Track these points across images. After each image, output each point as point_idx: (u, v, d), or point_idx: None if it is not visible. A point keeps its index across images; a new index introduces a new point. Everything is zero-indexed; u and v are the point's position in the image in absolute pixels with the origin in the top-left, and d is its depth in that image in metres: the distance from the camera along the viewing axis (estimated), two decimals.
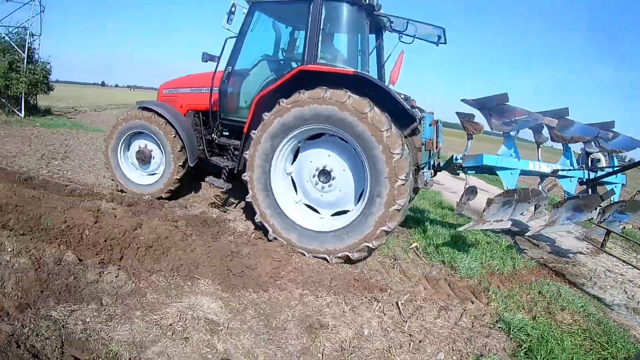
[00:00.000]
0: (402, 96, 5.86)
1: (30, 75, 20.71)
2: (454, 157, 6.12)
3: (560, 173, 6.20)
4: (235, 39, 6.62)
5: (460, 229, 5.92)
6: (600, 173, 6.33)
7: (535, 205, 6.37)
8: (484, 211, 5.42)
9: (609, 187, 6.19)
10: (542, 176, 6.45)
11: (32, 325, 3.57)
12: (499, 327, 4.33)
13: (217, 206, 7.31)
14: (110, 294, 4.17)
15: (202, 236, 5.49)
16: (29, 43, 21.38)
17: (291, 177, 6.05)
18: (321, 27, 5.81)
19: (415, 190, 6.72)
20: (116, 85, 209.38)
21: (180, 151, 7.08)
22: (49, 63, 22.52)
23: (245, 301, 4.19)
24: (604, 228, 6.70)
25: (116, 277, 4.34)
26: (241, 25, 6.53)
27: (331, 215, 5.86)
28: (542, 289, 5.50)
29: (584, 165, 6.40)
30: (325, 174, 5.71)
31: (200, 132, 7.41)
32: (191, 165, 7.18)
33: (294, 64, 6.20)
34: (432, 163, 6.36)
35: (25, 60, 20.84)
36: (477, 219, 5.69)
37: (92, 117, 25.99)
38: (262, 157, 5.75)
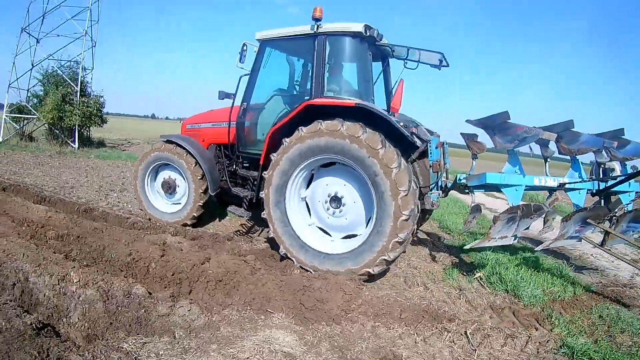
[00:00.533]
0: (403, 123, 6.02)
1: (84, 108, 21.30)
2: (458, 178, 6.19)
3: (567, 186, 6.25)
4: (248, 76, 7.04)
5: (467, 247, 6.01)
6: (610, 183, 6.34)
7: (544, 220, 6.56)
8: (490, 228, 5.55)
9: (622, 197, 6.21)
10: (550, 191, 6.55)
11: (102, 357, 3.63)
12: (563, 353, 4.30)
13: None
14: (182, 327, 4.19)
15: (271, 270, 5.55)
16: (81, 77, 22.10)
17: (305, 202, 6.32)
18: (326, 61, 6.23)
19: (425, 211, 6.87)
20: (166, 118, 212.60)
21: (201, 179, 7.47)
22: (102, 96, 23.20)
23: (319, 334, 4.18)
24: (603, 228, 6.38)
25: (189, 310, 4.36)
26: (253, 63, 6.94)
27: (341, 239, 6.12)
28: (602, 313, 5.39)
29: (593, 177, 6.44)
30: (336, 201, 5.97)
31: (223, 164, 7.73)
32: (212, 193, 7.54)
33: (305, 97, 6.38)
34: (439, 184, 6.39)
35: (78, 93, 21.46)
36: (484, 237, 5.83)
37: (146, 150, 26.04)
38: (279, 177, 6.01)
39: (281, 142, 5.94)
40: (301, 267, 5.83)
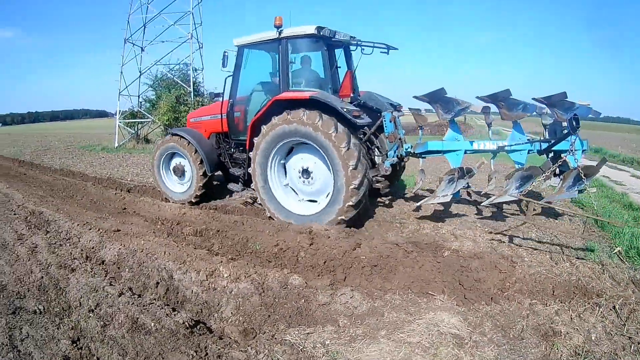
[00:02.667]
0: (350, 107, 7.20)
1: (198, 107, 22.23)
2: (405, 147, 7.32)
3: (507, 148, 7.06)
4: (232, 76, 8.54)
5: (417, 204, 7.49)
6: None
7: (488, 179, 7.71)
8: (436, 187, 6.86)
9: (568, 155, 6.39)
10: (494, 153, 7.34)
11: (265, 351, 3.71)
12: None
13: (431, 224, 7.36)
14: (345, 315, 4.28)
15: (423, 252, 5.55)
16: (193, 77, 23.06)
17: (284, 169, 7.78)
18: (289, 60, 7.64)
19: (383, 176, 8.02)
20: None
21: (200, 164, 8.91)
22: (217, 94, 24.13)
23: (480, 314, 4.25)
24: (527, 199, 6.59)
25: (351, 297, 4.45)
26: (235, 64, 8.41)
27: (308, 201, 7.65)
28: None
29: (529, 138, 7.19)
30: (306, 173, 7.45)
31: (222, 149, 9.27)
32: (209, 174, 8.98)
33: (275, 91, 7.72)
34: (395, 152, 7.45)
35: (192, 94, 22.49)
36: (431, 196, 7.04)
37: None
38: (261, 156, 7.50)
39: (260, 129, 7.42)
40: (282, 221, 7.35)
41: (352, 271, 5.20)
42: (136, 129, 25.70)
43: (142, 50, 24.83)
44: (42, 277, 5.31)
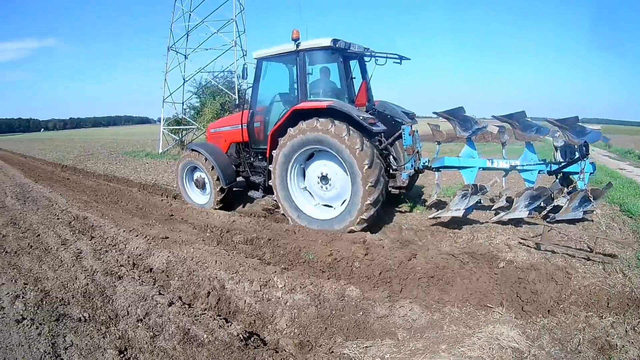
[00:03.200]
0: (365, 115, 7.65)
1: None
2: (422, 161, 7.87)
3: (518, 168, 7.51)
4: (251, 87, 9.20)
5: (430, 216, 7.61)
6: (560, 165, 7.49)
7: (498, 196, 8.17)
8: (450, 201, 7.22)
9: (575, 177, 7.13)
10: (506, 171, 7.73)
11: None
12: None
13: (485, 233, 7.35)
14: (404, 327, 4.29)
15: (479, 264, 5.60)
16: (237, 85, 23.25)
17: (303, 176, 8.24)
18: (307, 72, 8.08)
19: (400, 188, 8.63)
20: None
21: (217, 180, 9.43)
22: None
23: (537, 327, 4.26)
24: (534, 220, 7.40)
25: (410, 310, 4.44)
26: (254, 76, 8.99)
27: (341, 205, 7.81)
28: None
29: (543, 160, 7.61)
30: (325, 178, 7.90)
31: (242, 157, 9.72)
32: (224, 187, 9.47)
33: (294, 101, 8.16)
34: (412, 165, 7.98)
35: (237, 101, 22.44)
36: (445, 209, 7.38)
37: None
38: (280, 168, 7.99)
39: (279, 140, 7.90)
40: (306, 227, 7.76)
41: (409, 282, 5.23)
42: (180, 136, 26.05)
43: (186, 58, 25.26)
44: (88, 283, 5.32)
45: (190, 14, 24.65)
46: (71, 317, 4.47)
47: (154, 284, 5.38)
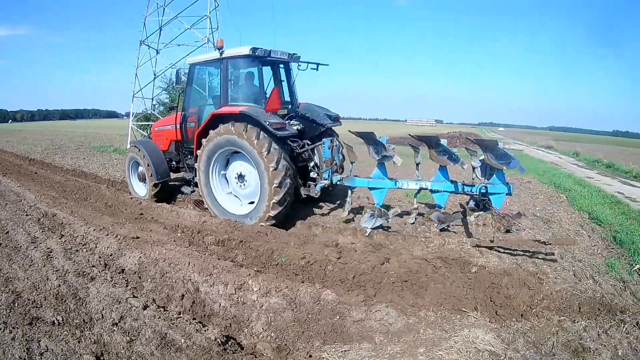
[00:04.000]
0: (293, 114, 9.25)
1: None
2: (337, 178, 8.24)
3: (429, 188, 7.63)
4: (184, 91, 10.01)
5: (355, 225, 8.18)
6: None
7: (409, 213, 8.33)
8: (361, 217, 7.69)
9: (493, 198, 7.12)
10: (417, 191, 7.89)
11: None
12: None
13: (455, 239, 7.45)
14: (381, 331, 4.27)
15: (451, 268, 5.62)
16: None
17: (225, 177, 8.92)
18: (229, 78, 8.78)
19: (312, 197, 8.87)
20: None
21: (151, 176, 10.30)
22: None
23: (512, 330, 4.33)
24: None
25: (386, 314, 4.44)
26: (187, 80, 9.86)
27: (248, 204, 8.68)
28: None
29: (450, 181, 7.55)
30: (241, 177, 8.62)
31: (180, 155, 10.40)
32: (156, 181, 10.23)
33: (216, 106, 8.96)
34: (329, 176, 8.29)
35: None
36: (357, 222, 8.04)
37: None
38: (203, 166, 8.71)
39: (202, 141, 8.58)
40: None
41: (383, 286, 5.24)
42: (149, 132, 25.38)
43: (157, 53, 24.69)
44: (60, 285, 5.20)
45: (164, 9, 24.14)
46: (44, 321, 4.38)
47: (127, 286, 5.28)
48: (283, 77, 9.88)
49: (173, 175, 10.83)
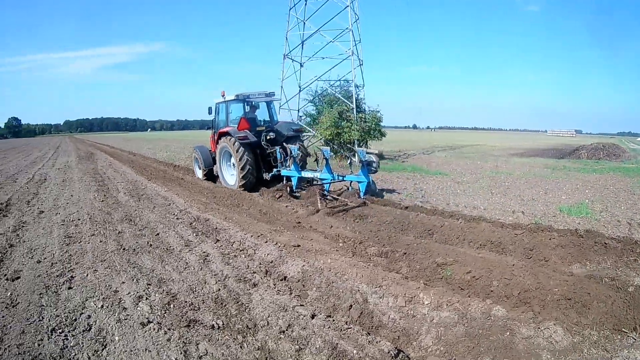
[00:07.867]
0: (269, 129, 15.36)
1: (363, 123, 22.48)
2: (275, 171, 14.14)
3: (317, 178, 12.81)
4: (213, 119, 16.75)
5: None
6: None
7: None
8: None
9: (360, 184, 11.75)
10: (310, 180, 13.57)
11: None
12: None
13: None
14: (548, 349, 4.11)
15: (610, 287, 5.31)
16: (355, 94, 23.35)
17: (228, 165, 15.55)
18: (229, 111, 15.70)
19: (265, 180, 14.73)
20: (427, 127, 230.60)
21: (198, 167, 18.06)
22: (379, 111, 24.01)
23: None
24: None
25: (554, 332, 4.26)
26: (214, 112, 16.62)
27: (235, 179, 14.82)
28: None
29: (332, 174, 12.22)
30: (233, 165, 14.84)
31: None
32: (204, 169, 17.27)
33: (225, 125, 15.67)
34: (278, 170, 14.09)
35: (354, 110, 22.77)
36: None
37: (424, 160, 27.08)
38: (219, 159, 15.53)
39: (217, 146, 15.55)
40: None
41: (547, 304, 4.99)
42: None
43: (301, 66, 25.78)
44: (219, 289, 5.26)
45: (304, 23, 25.10)
46: (203, 324, 4.44)
47: (291, 294, 5.33)
48: (265, 107, 16.35)
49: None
